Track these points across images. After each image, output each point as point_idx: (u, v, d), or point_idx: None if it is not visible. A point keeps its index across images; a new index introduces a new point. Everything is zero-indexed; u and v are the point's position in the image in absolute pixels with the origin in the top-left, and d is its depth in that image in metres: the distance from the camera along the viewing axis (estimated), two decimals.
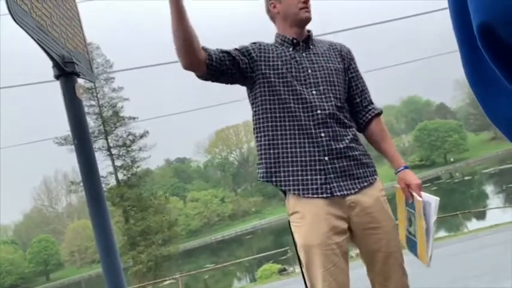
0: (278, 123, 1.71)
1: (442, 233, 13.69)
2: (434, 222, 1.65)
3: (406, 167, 1.81)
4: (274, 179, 1.70)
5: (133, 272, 24.72)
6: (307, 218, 1.66)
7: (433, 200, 1.67)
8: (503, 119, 0.49)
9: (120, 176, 28.82)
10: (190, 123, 72.32)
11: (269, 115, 1.72)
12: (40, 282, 51.91)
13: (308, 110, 1.70)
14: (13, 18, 1.23)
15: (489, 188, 28.40)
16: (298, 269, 11.59)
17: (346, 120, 1.77)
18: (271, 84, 1.72)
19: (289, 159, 1.69)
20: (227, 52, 1.71)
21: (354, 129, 1.81)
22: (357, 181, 1.70)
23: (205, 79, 1.72)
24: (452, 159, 53.59)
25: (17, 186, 64.72)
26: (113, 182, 28.61)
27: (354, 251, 6.79)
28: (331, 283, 1.60)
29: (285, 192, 1.74)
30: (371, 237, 1.68)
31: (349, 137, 1.74)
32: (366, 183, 1.72)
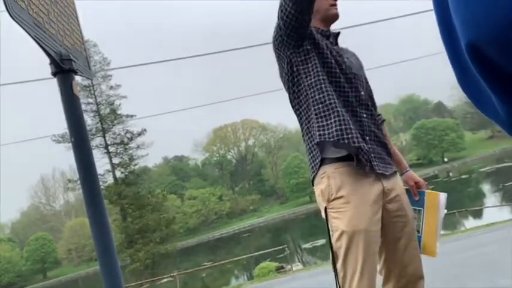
0: (330, 94, 1.69)
1: None
2: (443, 216, 1.77)
3: (410, 169, 1.96)
4: (346, 137, 1.63)
5: (131, 270, 24.73)
6: (353, 202, 1.63)
7: (442, 196, 1.78)
8: (501, 121, 0.48)
9: (118, 174, 28.83)
10: (188, 121, 72.36)
11: (322, 85, 1.70)
12: (37, 280, 51.86)
13: (354, 89, 1.74)
14: (10, 14, 1.23)
15: (486, 187, 28.50)
16: (295, 267, 11.61)
17: (374, 111, 1.85)
18: (323, 55, 1.74)
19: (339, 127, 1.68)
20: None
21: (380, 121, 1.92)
22: (387, 166, 1.76)
23: (293, 27, 1.67)
24: (446, 159, 53.68)
25: (14, 183, 64.59)
26: (110, 179, 28.63)
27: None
28: (369, 271, 1.60)
29: (313, 182, 1.74)
30: (397, 225, 1.74)
31: (380, 126, 1.84)
32: (394, 170, 1.81)
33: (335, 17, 1.87)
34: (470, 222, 13.07)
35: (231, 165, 66.33)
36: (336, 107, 1.66)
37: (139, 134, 29.89)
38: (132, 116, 29.85)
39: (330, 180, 1.66)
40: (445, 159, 53.88)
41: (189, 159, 71.20)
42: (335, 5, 1.85)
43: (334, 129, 1.64)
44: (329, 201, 1.67)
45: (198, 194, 56.43)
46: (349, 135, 1.63)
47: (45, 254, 52.46)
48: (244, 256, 19.26)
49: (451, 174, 44.27)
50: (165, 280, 16.84)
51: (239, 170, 65.33)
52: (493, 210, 14.63)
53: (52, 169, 70.75)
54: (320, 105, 1.68)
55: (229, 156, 67.14)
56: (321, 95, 1.68)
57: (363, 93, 1.76)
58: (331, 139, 1.63)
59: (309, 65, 1.73)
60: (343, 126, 1.64)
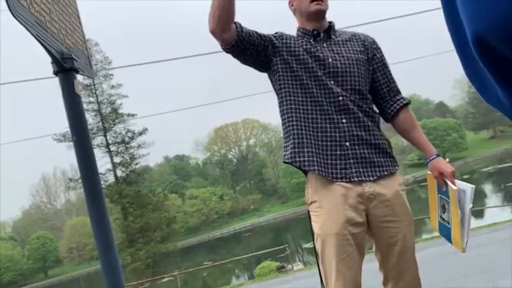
0: (301, 107, 1.73)
1: None
2: (470, 210, 1.64)
3: (437, 155, 1.80)
4: (298, 159, 1.68)
5: (132, 269, 24.74)
6: (325, 207, 1.67)
7: (468, 188, 1.64)
8: (504, 110, 0.49)
9: (119, 173, 28.83)
10: (189, 121, 72.34)
11: (293, 98, 1.74)
12: (38, 278, 51.92)
13: (329, 96, 1.72)
14: (12, 13, 1.23)
15: (487, 187, 28.44)
16: (296, 267, 11.61)
17: (368, 109, 1.77)
18: (293, 69, 1.75)
19: (313, 141, 1.70)
20: (257, 33, 1.75)
21: (376, 119, 1.80)
22: (376, 169, 1.70)
23: (231, 51, 1.71)
24: (447, 160, 53.57)
25: (16, 182, 64.61)
26: (111, 179, 28.61)
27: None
28: (344, 273, 1.62)
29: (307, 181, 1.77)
30: (388, 230, 1.69)
31: (371, 125, 1.75)
32: (385, 172, 1.71)
33: (317, 13, 1.82)
34: (471, 223, 13.04)
35: (232, 164, 66.30)
36: (294, 129, 1.72)
37: (140, 133, 29.90)
38: (133, 115, 29.87)
39: (308, 184, 1.74)
40: (447, 159, 53.70)
41: (190, 159, 71.18)
42: (315, 0, 1.81)
43: (289, 151, 1.72)
44: (308, 204, 1.75)
45: (199, 194, 56.41)
46: (301, 158, 1.68)
47: (47, 252, 52.51)
48: (245, 256, 19.26)
49: None
50: (165, 279, 16.85)
51: (240, 169, 65.30)
52: (495, 210, 14.60)
53: (53, 168, 70.90)
54: (283, 126, 1.77)
55: (230, 156, 67.11)
56: (284, 116, 1.76)
57: (340, 98, 1.71)
58: (287, 161, 1.71)
59: (278, 85, 1.79)
60: (296, 149, 1.69)
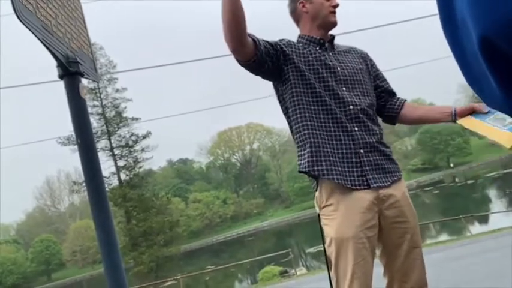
0: (315, 115, 1.74)
1: (444, 237, 13.64)
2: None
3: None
4: (316, 168, 1.69)
5: (135, 273, 24.73)
6: (341, 210, 1.67)
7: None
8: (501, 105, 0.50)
9: (123, 177, 28.86)
10: (193, 125, 72.43)
11: (306, 107, 1.75)
12: (42, 281, 51.96)
13: (341, 105, 1.74)
14: (18, 17, 1.24)
15: (492, 192, 28.25)
16: (299, 271, 11.56)
17: (374, 118, 1.84)
18: (305, 77, 1.76)
19: (329, 150, 1.71)
20: (269, 42, 1.74)
21: (381, 127, 1.86)
22: (388, 175, 1.75)
23: (250, 67, 1.70)
24: (452, 165, 53.25)
25: (20, 185, 64.89)
26: (115, 182, 28.65)
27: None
28: (359, 277, 1.62)
29: (317, 185, 1.75)
30: (397, 231, 1.72)
31: (378, 134, 1.80)
32: (396, 178, 1.77)
33: (334, 25, 1.87)
34: (476, 228, 12.95)
35: (235, 168, 66.27)
36: (310, 137, 1.72)
37: (144, 137, 29.95)
38: (137, 118, 29.94)
39: (322, 187, 1.73)
40: (451, 165, 53.44)
41: (194, 163, 71.23)
42: (334, 12, 1.85)
43: (306, 160, 1.72)
44: (321, 208, 1.74)
45: (203, 197, 56.39)
46: (319, 167, 1.69)
47: (50, 255, 52.58)
48: (248, 260, 19.20)
49: (456, 179, 43.98)
50: (168, 283, 16.82)
51: (243, 173, 65.25)
52: (499, 216, 14.50)
53: (57, 171, 71.05)
54: (297, 135, 1.77)
55: (233, 160, 67.10)
56: (298, 125, 1.76)
57: (351, 107, 1.74)
58: (304, 169, 1.71)
59: (289, 94, 1.78)
60: (314, 158, 1.70)
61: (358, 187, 1.67)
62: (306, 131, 1.73)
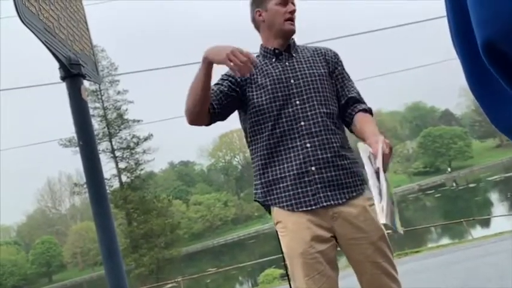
0: (265, 143, 1.74)
1: (446, 240, 13.60)
2: (370, 172, 1.44)
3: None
4: (268, 198, 1.72)
5: (136, 275, 24.72)
6: (289, 227, 1.68)
7: (361, 146, 1.51)
8: (511, 126, 0.50)
9: (124, 179, 28.92)
10: (194, 127, 72.22)
11: (258, 137, 1.76)
12: (42, 283, 51.92)
13: (293, 122, 1.70)
14: (21, 19, 1.24)
15: (494, 196, 28.17)
16: None
17: (333, 127, 1.73)
18: (258, 104, 1.74)
19: (279, 175, 1.70)
20: (223, 93, 1.75)
21: (343, 135, 1.78)
22: (345, 190, 1.68)
23: (214, 122, 1.79)
24: (449, 170, 53.00)
25: (21, 187, 64.96)
26: (116, 184, 28.73)
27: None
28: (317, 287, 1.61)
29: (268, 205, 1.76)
30: (356, 248, 1.66)
31: (337, 145, 1.70)
32: (354, 193, 1.69)
33: (290, 33, 1.80)
34: (477, 232, 12.91)
35: (236, 171, 66.25)
36: (261, 168, 1.75)
37: (145, 139, 30.02)
38: (138, 121, 30.03)
39: (274, 206, 1.73)
40: (448, 170, 53.13)
41: (195, 165, 71.23)
42: (291, 19, 1.77)
43: (259, 191, 1.76)
44: (275, 224, 1.76)
45: (203, 200, 56.36)
46: (270, 197, 1.72)
47: (51, 257, 52.57)
48: (249, 263, 19.17)
49: (457, 182, 43.89)
50: (169, 285, 16.78)
51: (245, 175, 65.20)
52: (501, 219, 14.44)
53: (59, 173, 71.12)
54: (253, 165, 1.83)
55: (234, 162, 67.10)
56: (253, 156, 1.81)
57: (302, 123, 1.68)
58: (259, 200, 1.76)
59: (247, 117, 1.80)
60: (265, 189, 1.74)
61: (312, 207, 1.64)
62: (258, 162, 1.76)
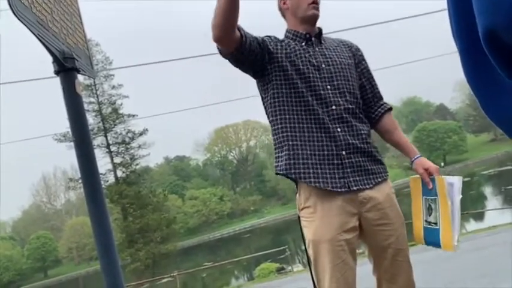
0: (295, 116, 1.72)
1: None
2: (459, 202, 1.62)
3: (420, 155, 1.84)
4: (293, 171, 1.69)
5: (132, 270, 24.72)
6: (319, 213, 1.67)
7: (455, 180, 1.65)
8: (505, 117, 0.50)
9: (119, 174, 28.84)
10: (189, 121, 72.30)
11: (286, 107, 1.73)
12: (38, 278, 51.88)
13: (323, 105, 1.72)
14: (13, 12, 1.23)
15: (488, 190, 28.42)
16: (296, 268, 11.59)
17: (361, 115, 1.80)
18: (288, 77, 1.73)
19: (308, 152, 1.69)
20: (256, 39, 1.71)
21: (368, 125, 1.84)
22: (371, 176, 1.73)
23: (232, 58, 1.68)
24: (442, 164, 53.24)
25: (16, 182, 64.64)
26: (111, 179, 28.63)
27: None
28: (338, 279, 1.62)
29: (296, 187, 1.75)
30: (381, 233, 1.70)
31: (365, 132, 1.77)
32: (380, 179, 1.75)
33: (314, 17, 1.82)
34: (471, 225, 13.02)
35: (232, 165, 66.28)
36: (288, 139, 1.71)
37: (140, 134, 29.90)
38: (133, 115, 29.88)
39: (301, 190, 1.73)
40: (442, 164, 53.39)
41: (191, 160, 71.13)
42: (314, 3, 1.80)
43: (283, 162, 1.72)
44: (300, 210, 1.75)
45: (199, 194, 56.37)
46: (296, 170, 1.68)
47: (46, 252, 52.46)
48: (245, 257, 19.25)
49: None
50: (165, 280, 16.82)
51: (240, 170, 65.27)
52: (495, 213, 14.56)
53: (54, 168, 70.89)
54: (275, 137, 1.77)
55: (230, 157, 67.08)
56: (277, 127, 1.76)
57: (334, 107, 1.71)
58: (281, 172, 1.72)
59: (271, 95, 1.77)
60: (291, 160, 1.69)
61: (338, 189, 1.65)
62: (284, 133, 1.73)
